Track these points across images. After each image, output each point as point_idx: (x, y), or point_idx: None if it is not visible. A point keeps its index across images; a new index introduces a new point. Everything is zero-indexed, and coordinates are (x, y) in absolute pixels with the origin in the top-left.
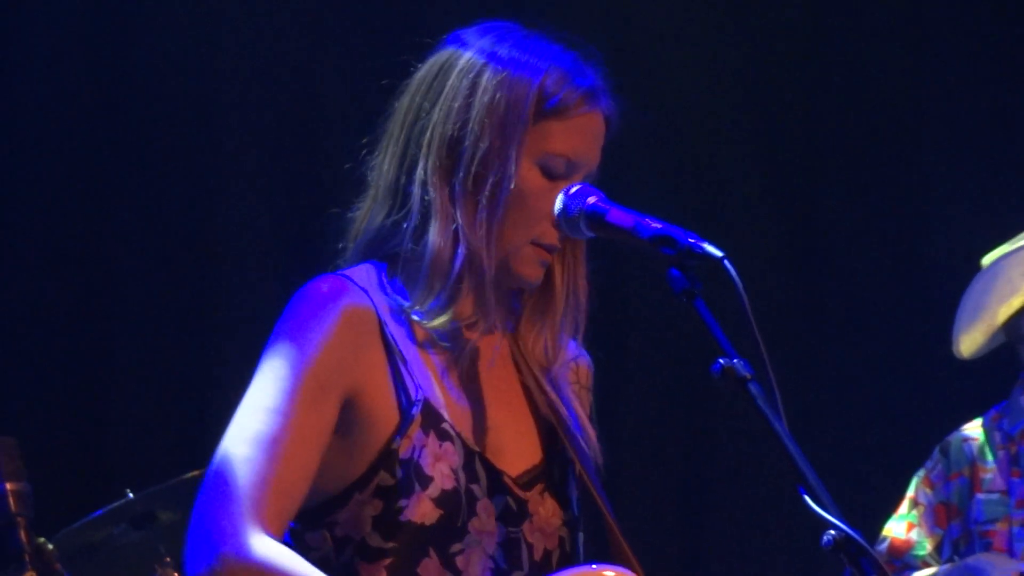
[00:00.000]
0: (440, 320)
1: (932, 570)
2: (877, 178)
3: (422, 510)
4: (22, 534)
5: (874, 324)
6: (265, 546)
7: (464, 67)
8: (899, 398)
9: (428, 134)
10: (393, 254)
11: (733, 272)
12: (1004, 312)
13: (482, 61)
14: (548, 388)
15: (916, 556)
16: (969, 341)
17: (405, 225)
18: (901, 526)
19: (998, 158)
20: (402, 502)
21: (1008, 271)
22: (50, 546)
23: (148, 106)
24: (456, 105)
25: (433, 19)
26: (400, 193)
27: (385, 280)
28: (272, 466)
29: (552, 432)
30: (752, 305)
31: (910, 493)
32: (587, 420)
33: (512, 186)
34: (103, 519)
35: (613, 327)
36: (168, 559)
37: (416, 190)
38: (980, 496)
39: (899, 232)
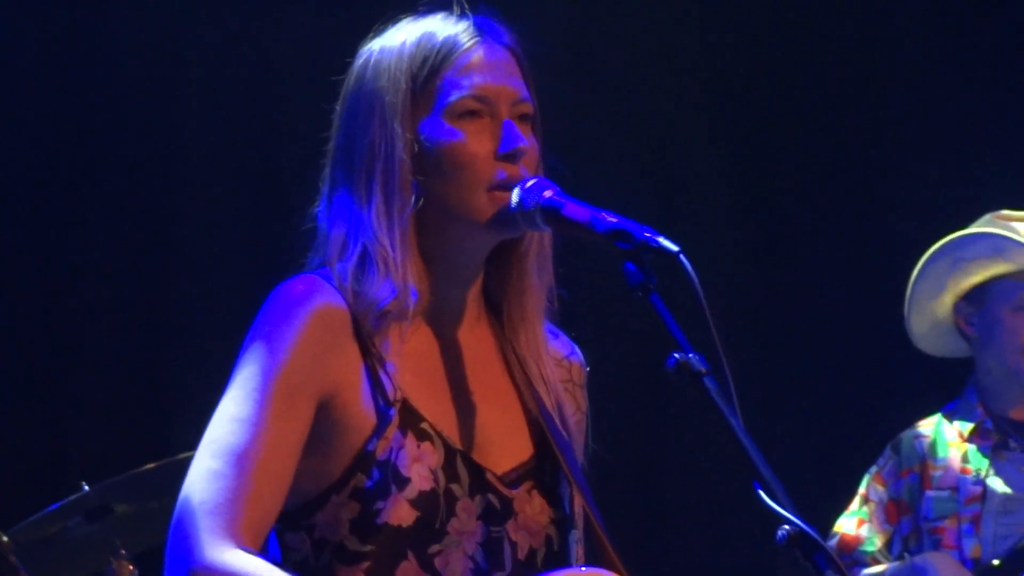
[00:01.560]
0: (391, 306)
1: (881, 567)
2: (838, 172)
3: (399, 512)
4: None
5: (831, 319)
6: (238, 559)
7: (347, 83)
8: (854, 394)
9: (331, 144)
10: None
11: (688, 266)
12: (940, 310)
13: (357, 70)
14: (541, 391)
15: (865, 552)
16: (921, 335)
17: (332, 229)
18: (852, 522)
19: (958, 151)
20: (379, 504)
21: (936, 269)
22: (5, 539)
23: (110, 105)
24: (343, 113)
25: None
26: (327, 200)
27: (356, 278)
28: (243, 479)
29: (542, 433)
30: (708, 299)
31: (861, 490)
32: (575, 420)
33: (402, 158)
34: (59, 512)
35: (567, 321)
36: (123, 552)
37: (331, 195)
38: (930, 493)
39: (858, 227)
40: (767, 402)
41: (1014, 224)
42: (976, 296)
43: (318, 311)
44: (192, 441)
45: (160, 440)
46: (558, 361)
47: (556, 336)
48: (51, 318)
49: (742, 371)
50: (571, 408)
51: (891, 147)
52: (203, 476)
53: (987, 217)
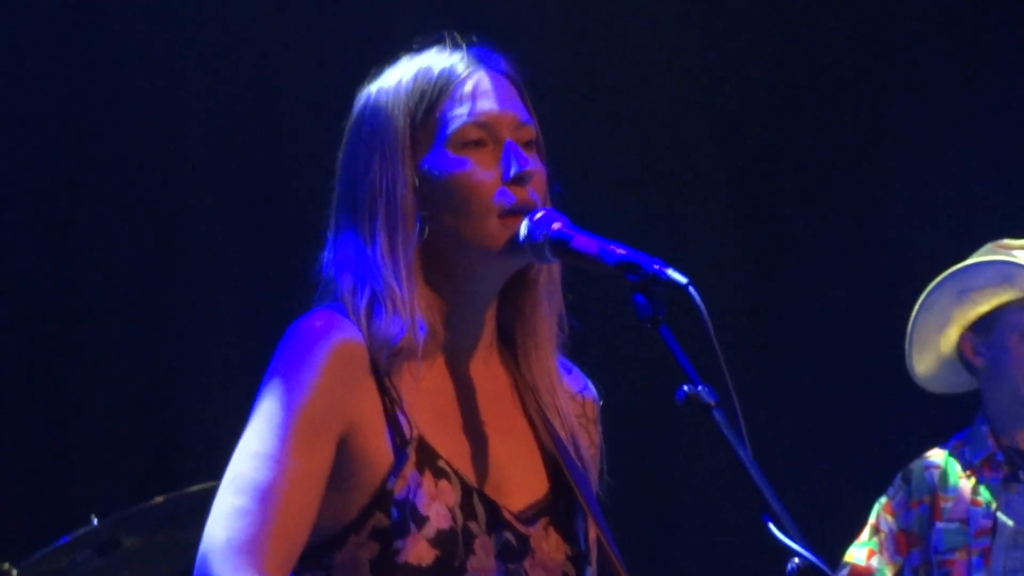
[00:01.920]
0: (403, 344)
1: None
2: (842, 189)
3: (418, 551)
4: None
5: (839, 349)
6: None
7: (347, 127)
8: (863, 423)
9: (335, 188)
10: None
11: (698, 299)
12: (945, 343)
13: (356, 113)
14: (555, 423)
15: None
16: (925, 372)
17: (339, 272)
18: (862, 553)
19: (964, 175)
20: (398, 543)
21: (940, 301)
22: (15, 572)
23: (114, 113)
24: (344, 156)
25: (404, 30)
26: (333, 243)
27: (368, 316)
28: (270, 516)
29: (558, 467)
30: (717, 331)
31: (872, 520)
32: (590, 454)
33: (404, 194)
34: (68, 546)
35: (577, 353)
36: None
37: (336, 238)
38: (940, 525)
39: (866, 248)
40: (775, 431)
41: (1016, 252)
42: (983, 326)
43: (339, 346)
44: (201, 475)
45: (169, 473)
46: (572, 396)
47: (569, 371)
48: (61, 351)
49: (749, 399)
50: (585, 441)
51: (896, 162)
52: (228, 513)
53: (989, 246)
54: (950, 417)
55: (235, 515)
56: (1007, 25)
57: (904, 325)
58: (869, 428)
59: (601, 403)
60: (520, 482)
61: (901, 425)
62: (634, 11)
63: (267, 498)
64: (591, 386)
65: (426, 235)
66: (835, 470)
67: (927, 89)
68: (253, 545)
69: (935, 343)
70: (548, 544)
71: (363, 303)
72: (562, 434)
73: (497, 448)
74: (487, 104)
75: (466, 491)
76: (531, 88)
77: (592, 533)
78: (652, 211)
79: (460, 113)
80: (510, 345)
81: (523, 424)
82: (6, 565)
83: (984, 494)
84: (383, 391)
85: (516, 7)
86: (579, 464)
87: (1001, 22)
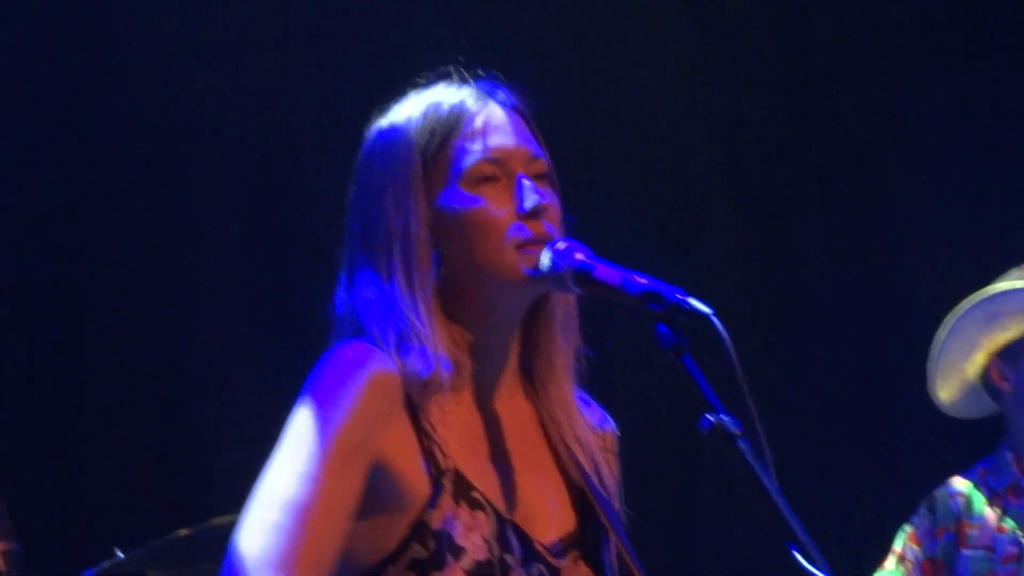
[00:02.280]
0: (431, 377)
1: None
2: (853, 213)
3: None
4: None
5: (860, 375)
6: None
7: (357, 164)
8: (887, 450)
9: (347, 227)
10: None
11: (721, 328)
12: (971, 369)
13: (366, 151)
14: (578, 453)
15: None
16: (948, 397)
17: (361, 308)
18: None
19: (978, 185)
20: (435, 575)
21: (968, 327)
22: None
23: (122, 118)
24: (356, 195)
25: (418, 48)
26: (350, 280)
27: (396, 350)
28: (303, 532)
29: (584, 498)
30: (740, 360)
31: (896, 548)
32: (614, 485)
33: (419, 233)
34: None
35: (599, 383)
36: None
37: (353, 276)
38: (966, 552)
39: (878, 272)
40: (794, 457)
41: None
42: (1012, 352)
43: (376, 376)
44: (226, 508)
45: (194, 506)
46: (591, 428)
47: (588, 404)
48: (85, 384)
49: (767, 425)
50: (607, 472)
51: (909, 173)
52: (261, 528)
53: (1015, 271)
54: (974, 442)
55: (268, 530)
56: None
57: (921, 344)
58: (891, 454)
59: (619, 435)
60: (549, 514)
61: (924, 450)
62: (638, 21)
63: (301, 515)
64: (609, 418)
65: (443, 272)
66: (857, 497)
67: (939, 98)
68: (285, 559)
69: (961, 368)
70: None
71: (392, 339)
72: (586, 465)
73: (526, 480)
74: (499, 139)
75: (500, 523)
76: (540, 119)
77: (618, 563)
78: (659, 228)
79: (472, 149)
80: (529, 377)
81: (548, 456)
82: None
83: (1010, 521)
84: (416, 422)
85: (521, 24)
86: (605, 494)
87: (1018, 28)
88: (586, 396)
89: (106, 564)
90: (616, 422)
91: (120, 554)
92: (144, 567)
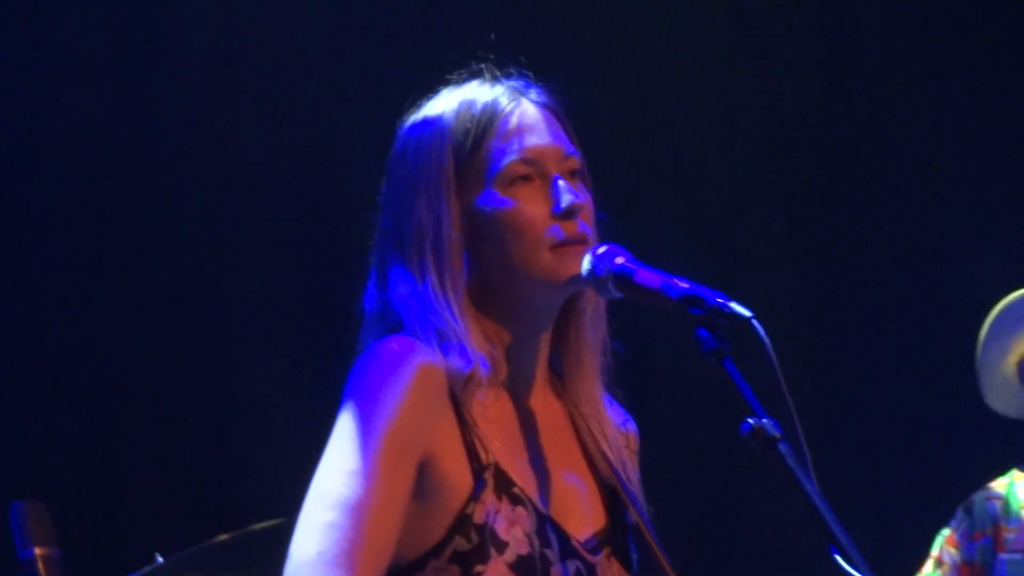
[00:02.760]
0: (471, 373)
1: None
2: (896, 211)
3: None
4: None
5: (901, 378)
6: None
7: (390, 163)
8: (926, 454)
9: (379, 224)
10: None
11: (762, 332)
12: (1009, 371)
13: (399, 149)
14: (608, 451)
15: None
16: (995, 399)
17: (397, 305)
18: None
19: None
20: (478, 568)
21: (1002, 329)
22: None
23: (165, 134)
24: (388, 194)
25: (454, 45)
26: (383, 277)
27: (438, 345)
28: (359, 531)
29: (613, 495)
30: (781, 364)
31: (934, 552)
32: (638, 483)
33: (451, 235)
34: None
35: (641, 388)
36: None
37: (387, 273)
38: (1003, 556)
39: (924, 282)
40: (837, 463)
41: None
42: None
43: (422, 368)
44: (266, 513)
45: (234, 511)
46: (616, 427)
47: (611, 404)
48: (124, 390)
49: (809, 430)
50: (632, 469)
51: (957, 201)
52: (318, 527)
53: None
54: (1013, 446)
55: (325, 529)
56: None
57: (968, 348)
58: (933, 457)
59: (639, 437)
60: (583, 511)
61: (963, 455)
62: (687, 33)
63: (357, 514)
64: (631, 419)
65: (476, 272)
66: (899, 501)
67: (989, 99)
68: (344, 559)
69: (1000, 370)
70: (612, 573)
71: (433, 335)
72: (615, 462)
73: (560, 477)
74: (533, 139)
75: (540, 518)
76: (572, 117)
77: (647, 560)
78: (708, 240)
79: (507, 149)
80: (557, 373)
81: (579, 452)
82: None
83: None
84: (460, 416)
85: (561, 22)
86: (633, 493)
87: None
88: (609, 397)
89: (146, 569)
90: (658, 425)
91: (160, 559)
92: (183, 572)
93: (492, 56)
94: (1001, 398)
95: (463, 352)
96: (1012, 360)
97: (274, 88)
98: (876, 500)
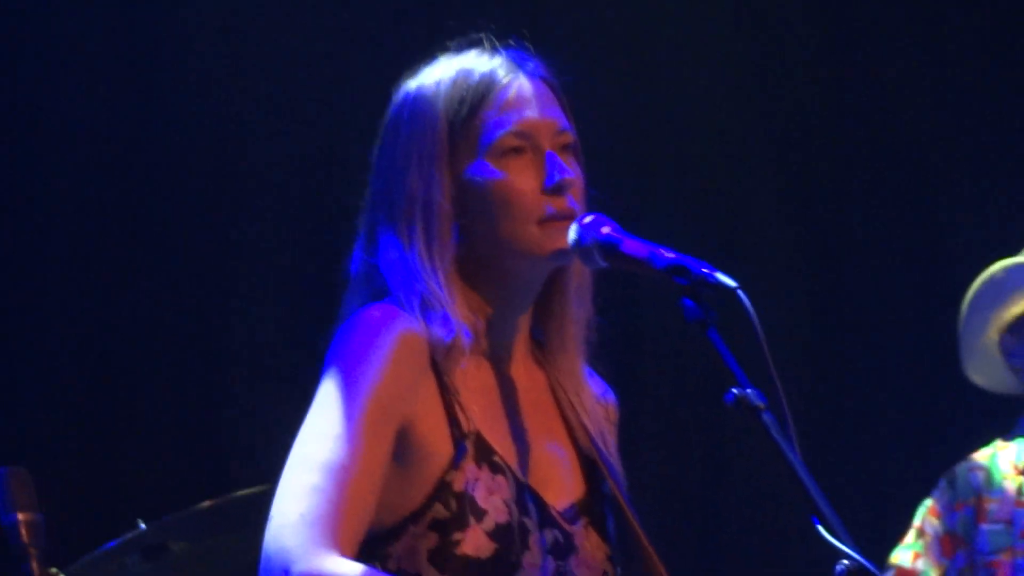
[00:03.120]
0: (454, 342)
1: None
2: (897, 203)
3: (477, 543)
4: (34, 565)
5: (890, 351)
6: (345, 565)
7: (384, 127)
8: (909, 425)
9: (370, 187)
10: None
11: (747, 302)
12: (990, 346)
13: (393, 114)
14: (587, 423)
15: None
16: (976, 374)
17: (384, 270)
18: (907, 555)
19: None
20: (457, 535)
21: (980, 303)
22: None
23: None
24: (381, 158)
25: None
26: (370, 241)
27: (421, 313)
28: (341, 494)
29: (592, 466)
30: (766, 334)
31: (916, 522)
32: (616, 455)
33: (441, 203)
34: (115, 550)
35: (627, 356)
36: None
37: (375, 237)
38: (985, 527)
39: (919, 258)
40: (821, 434)
41: None
42: (1019, 328)
43: (404, 336)
44: (250, 480)
45: (218, 477)
46: (596, 398)
47: (592, 376)
48: (108, 355)
49: (798, 402)
50: (611, 441)
51: (954, 161)
52: (301, 490)
53: None
54: (995, 418)
55: (308, 491)
56: None
57: (951, 341)
58: (918, 430)
59: (619, 408)
60: (562, 481)
61: (946, 427)
62: (691, 13)
63: (340, 476)
64: (611, 390)
65: (465, 242)
66: (883, 472)
67: (985, 91)
68: (327, 520)
69: (980, 345)
70: (589, 543)
71: (416, 303)
72: (594, 433)
73: (540, 447)
74: (527, 112)
75: (519, 487)
76: (569, 92)
77: (624, 531)
78: (702, 214)
79: (501, 121)
80: (540, 345)
81: (559, 423)
82: (53, 570)
83: None
84: (441, 383)
85: (568, 4)
86: (612, 464)
87: None
88: (589, 369)
89: (128, 535)
90: (643, 396)
91: (142, 525)
92: (167, 538)
93: (492, 26)
94: (982, 371)
95: (446, 321)
96: (993, 334)
97: (275, 84)
98: (859, 470)
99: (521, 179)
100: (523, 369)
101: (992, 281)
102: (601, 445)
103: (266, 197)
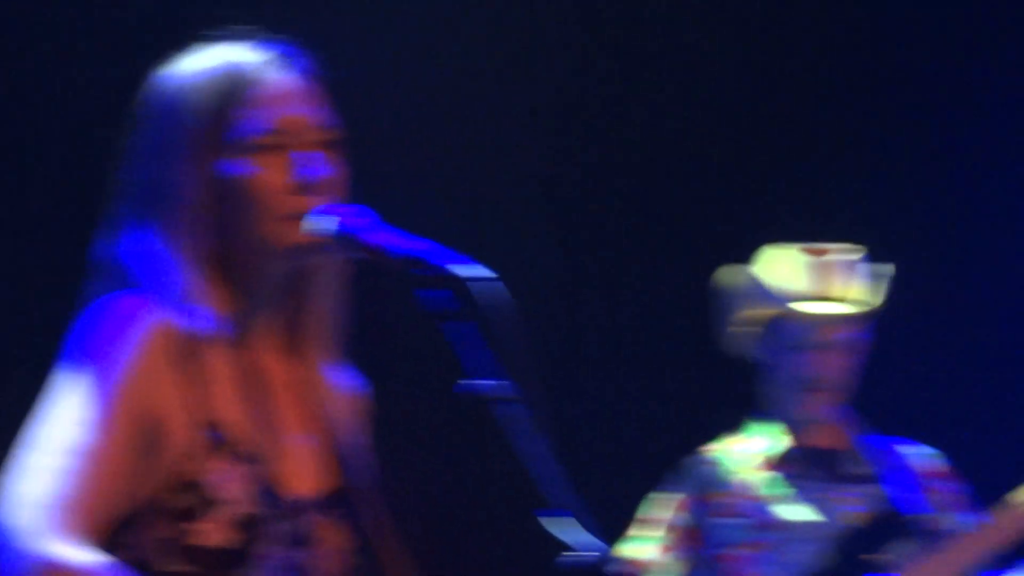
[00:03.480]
0: (204, 333)
1: None
2: (648, 196)
3: (214, 534)
4: None
5: (632, 329)
6: (77, 553)
7: (138, 114)
8: (659, 416)
9: (122, 175)
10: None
11: (486, 294)
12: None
13: (148, 102)
14: (338, 415)
15: None
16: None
17: (131, 261)
18: (640, 547)
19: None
20: (193, 526)
21: (735, 292)
22: None
23: None
24: (133, 146)
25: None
26: (116, 230)
27: (172, 304)
28: (89, 475)
29: (341, 458)
30: (517, 326)
31: (650, 514)
32: (368, 448)
33: (193, 197)
34: None
35: (379, 349)
36: None
37: (123, 227)
38: (722, 520)
39: (669, 252)
40: (574, 419)
41: (793, 260)
42: (762, 325)
43: (153, 326)
44: None
45: None
46: (347, 390)
47: (344, 368)
48: None
49: (547, 396)
50: (362, 433)
51: (712, 185)
52: (43, 472)
53: (775, 250)
54: (738, 407)
55: (51, 473)
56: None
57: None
58: (663, 421)
59: (371, 400)
60: (309, 473)
61: (695, 420)
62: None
63: (86, 459)
64: (362, 383)
65: (216, 235)
66: (617, 463)
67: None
68: (67, 505)
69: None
70: (334, 535)
71: (164, 294)
72: (344, 426)
73: (288, 438)
74: (286, 108)
75: (263, 478)
76: (334, 87)
77: (375, 525)
78: (467, 215)
79: (258, 116)
80: (294, 338)
81: (309, 415)
82: None
83: (767, 488)
84: (189, 376)
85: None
86: (361, 457)
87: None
88: (342, 360)
89: None
90: (393, 388)
91: None
92: None
93: (255, 18)
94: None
95: (195, 312)
96: (739, 328)
97: None
98: (596, 461)
99: (273, 175)
100: (275, 361)
101: (739, 285)
102: (351, 438)
103: None
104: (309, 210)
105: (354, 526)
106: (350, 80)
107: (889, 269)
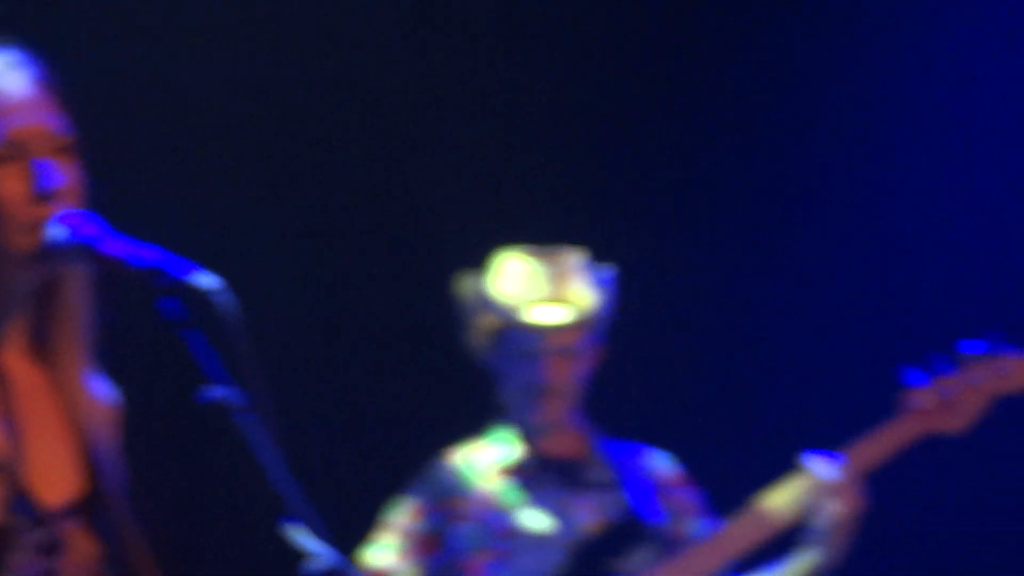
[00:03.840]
0: None
1: None
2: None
3: None
4: None
5: (377, 342)
6: None
7: None
8: (401, 425)
9: None
10: None
11: (223, 303)
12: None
13: None
14: (89, 422)
15: None
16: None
17: None
18: (381, 554)
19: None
20: None
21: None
22: None
23: None
24: None
25: None
26: None
27: None
28: None
29: (92, 466)
30: (259, 335)
31: (392, 520)
32: (119, 456)
33: None
34: None
35: (111, 356)
36: None
37: None
38: (461, 526)
39: (409, 251)
40: (315, 424)
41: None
42: (492, 339)
43: None
44: None
45: None
46: (99, 399)
47: (96, 376)
48: None
49: (288, 403)
50: (113, 442)
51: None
52: None
53: (504, 255)
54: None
55: None
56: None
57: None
58: (397, 431)
59: (122, 408)
60: (58, 480)
61: (438, 424)
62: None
63: None
64: (114, 391)
65: None
66: (364, 470)
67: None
68: None
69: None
70: (83, 543)
71: None
72: (95, 434)
73: (37, 445)
74: (16, 118)
75: (12, 486)
76: (69, 90)
77: (126, 532)
78: (207, 222)
79: None
80: (44, 345)
81: (60, 424)
82: None
83: (507, 496)
84: None
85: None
86: (112, 464)
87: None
88: (92, 369)
89: None
90: (137, 395)
91: None
92: None
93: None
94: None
95: None
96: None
97: None
98: (349, 471)
99: (10, 186)
100: (25, 368)
101: (467, 295)
102: (103, 444)
103: None
104: (48, 219)
105: (105, 533)
106: (85, 84)
107: (610, 271)
